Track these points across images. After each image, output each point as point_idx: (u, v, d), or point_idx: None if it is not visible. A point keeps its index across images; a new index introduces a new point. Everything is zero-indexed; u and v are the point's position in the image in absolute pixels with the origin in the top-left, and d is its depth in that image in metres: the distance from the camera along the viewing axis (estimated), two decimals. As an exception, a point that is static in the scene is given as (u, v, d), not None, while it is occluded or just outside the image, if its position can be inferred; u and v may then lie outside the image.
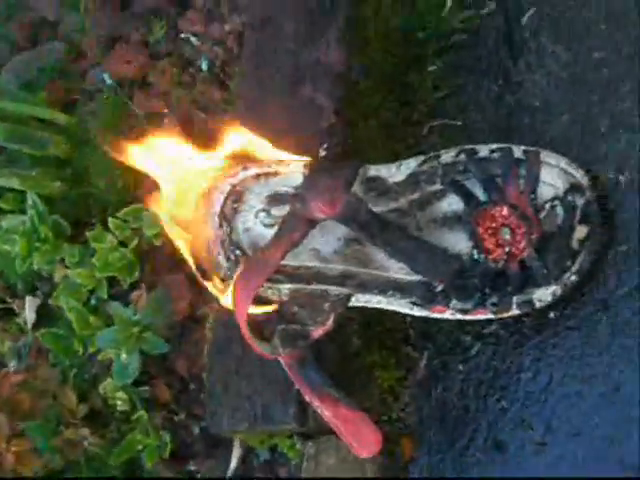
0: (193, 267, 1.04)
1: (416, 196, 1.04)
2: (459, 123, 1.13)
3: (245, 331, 1.01)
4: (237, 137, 1.02)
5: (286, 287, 1.03)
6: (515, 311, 1.00)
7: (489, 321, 1.03)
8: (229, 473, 1.18)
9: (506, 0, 1.13)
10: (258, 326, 1.03)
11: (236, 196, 1.05)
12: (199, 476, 1.21)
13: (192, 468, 1.22)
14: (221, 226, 1.05)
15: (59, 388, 1.24)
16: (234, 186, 1.05)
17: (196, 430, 1.24)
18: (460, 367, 1.07)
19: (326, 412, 1.02)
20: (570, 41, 1.08)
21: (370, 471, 1.07)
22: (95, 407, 1.24)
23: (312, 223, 1.00)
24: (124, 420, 1.24)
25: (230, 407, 1.10)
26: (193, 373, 1.25)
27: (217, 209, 1.05)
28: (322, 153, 1.05)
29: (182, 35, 1.33)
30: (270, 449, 1.17)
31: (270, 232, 1.04)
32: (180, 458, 1.24)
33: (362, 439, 1.00)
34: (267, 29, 1.15)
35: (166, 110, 1.27)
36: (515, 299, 0.99)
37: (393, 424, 1.09)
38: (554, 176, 1.00)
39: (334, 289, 1.02)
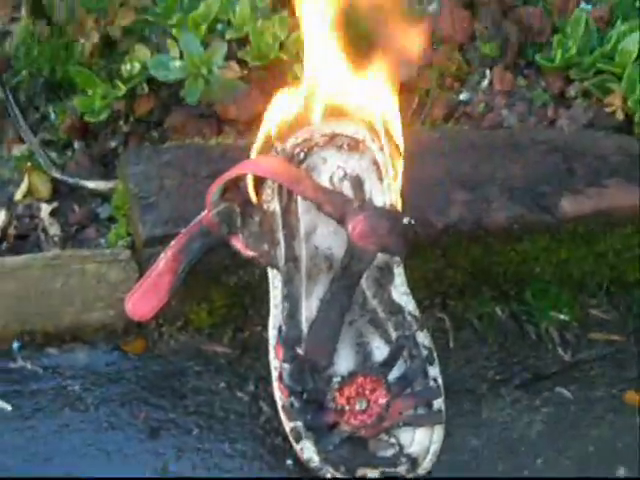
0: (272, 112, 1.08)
1: (381, 314, 1.09)
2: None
3: (226, 176, 1.07)
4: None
5: (275, 209, 1.08)
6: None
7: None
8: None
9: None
10: (231, 183, 1.08)
11: (341, 141, 1.09)
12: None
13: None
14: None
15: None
16: (351, 138, 1.08)
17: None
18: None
19: (161, 261, 1.08)
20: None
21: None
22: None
23: (340, 223, 1.05)
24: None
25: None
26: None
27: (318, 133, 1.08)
28: (405, 220, 1.10)
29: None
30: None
31: (325, 182, 1.08)
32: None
33: (144, 299, 1.06)
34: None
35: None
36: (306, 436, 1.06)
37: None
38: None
39: (280, 257, 1.08)
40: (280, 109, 1.06)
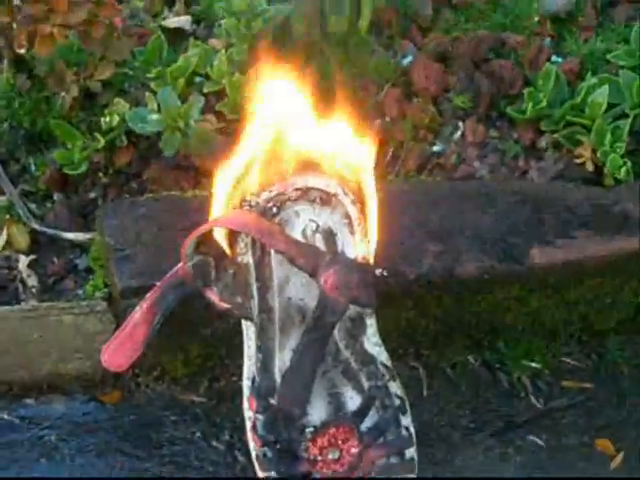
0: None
1: (353, 364, 1.11)
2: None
3: (201, 229, 1.08)
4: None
5: (249, 261, 1.10)
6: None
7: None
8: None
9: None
10: (206, 237, 1.09)
11: (313, 195, 1.11)
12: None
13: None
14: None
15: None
16: (323, 192, 1.10)
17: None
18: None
19: (137, 313, 1.10)
20: None
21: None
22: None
23: (312, 276, 1.07)
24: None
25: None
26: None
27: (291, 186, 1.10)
28: (377, 272, 1.12)
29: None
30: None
31: (297, 235, 1.10)
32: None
33: (120, 350, 1.07)
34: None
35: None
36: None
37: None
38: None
39: (254, 309, 1.09)
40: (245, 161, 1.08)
